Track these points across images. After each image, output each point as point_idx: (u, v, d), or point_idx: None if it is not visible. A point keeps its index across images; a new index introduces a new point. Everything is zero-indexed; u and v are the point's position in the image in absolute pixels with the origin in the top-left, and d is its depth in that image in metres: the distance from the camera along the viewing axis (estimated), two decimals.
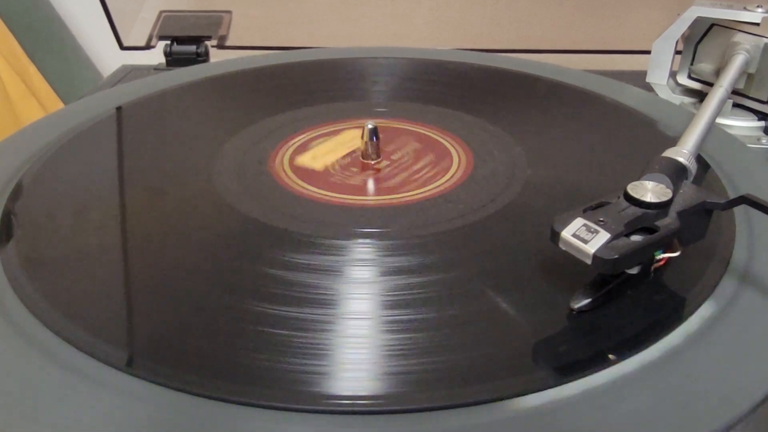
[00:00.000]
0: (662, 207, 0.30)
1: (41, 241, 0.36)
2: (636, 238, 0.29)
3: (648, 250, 0.29)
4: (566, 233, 0.28)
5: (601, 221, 0.28)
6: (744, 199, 0.30)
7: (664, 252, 0.30)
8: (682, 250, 0.30)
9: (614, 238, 0.28)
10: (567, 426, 0.25)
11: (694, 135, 0.38)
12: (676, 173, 0.33)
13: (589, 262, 0.28)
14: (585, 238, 0.28)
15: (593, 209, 0.30)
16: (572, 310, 0.29)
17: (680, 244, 0.30)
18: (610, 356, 0.27)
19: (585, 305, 0.29)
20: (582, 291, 0.30)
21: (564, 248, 0.29)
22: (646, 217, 0.29)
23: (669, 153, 0.35)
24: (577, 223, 0.29)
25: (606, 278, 0.30)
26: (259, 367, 0.27)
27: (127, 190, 0.41)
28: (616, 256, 0.27)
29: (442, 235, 0.36)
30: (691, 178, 0.35)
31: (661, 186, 0.31)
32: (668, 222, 0.30)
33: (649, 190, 0.30)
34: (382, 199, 0.39)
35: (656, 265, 0.31)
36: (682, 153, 0.35)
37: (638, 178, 0.32)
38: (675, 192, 0.31)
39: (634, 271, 0.30)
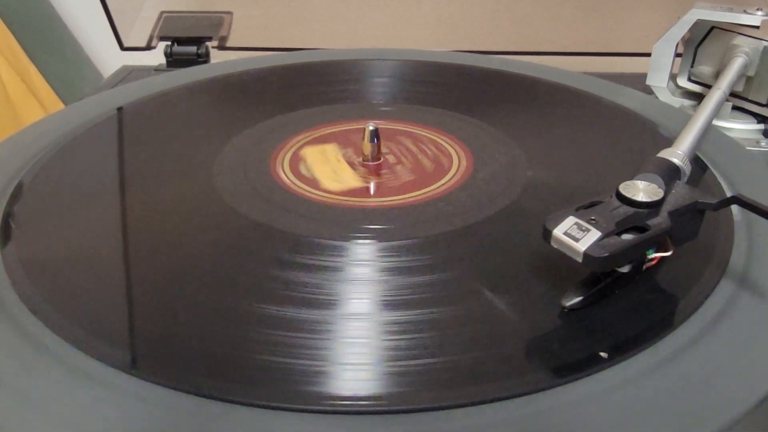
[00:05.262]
0: (653, 206, 0.30)
1: (42, 241, 0.36)
2: (627, 236, 0.29)
3: (638, 248, 0.29)
4: (558, 231, 0.29)
5: (593, 220, 0.29)
6: (735, 200, 0.30)
7: (657, 251, 0.30)
8: (674, 250, 0.31)
9: (605, 236, 0.28)
10: (566, 427, 0.25)
11: (689, 136, 0.38)
12: (669, 173, 0.33)
13: (579, 260, 0.28)
14: (576, 236, 0.28)
15: (585, 208, 0.30)
16: (564, 307, 0.30)
17: (672, 244, 0.31)
18: (602, 354, 0.27)
19: (576, 303, 0.30)
20: (573, 289, 0.30)
21: (556, 246, 0.29)
22: (638, 216, 0.30)
23: (663, 154, 0.35)
24: (569, 222, 0.29)
25: (598, 277, 0.30)
26: (259, 368, 0.27)
27: (128, 191, 0.41)
28: (606, 254, 0.27)
29: (442, 236, 0.36)
30: (684, 179, 0.35)
31: (653, 186, 0.31)
32: (659, 221, 0.30)
33: (641, 190, 0.31)
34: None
35: (648, 264, 0.31)
36: (676, 154, 0.35)
37: (631, 178, 0.32)
38: (667, 192, 0.31)
39: (625, 269, 0.30)
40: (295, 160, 0.44)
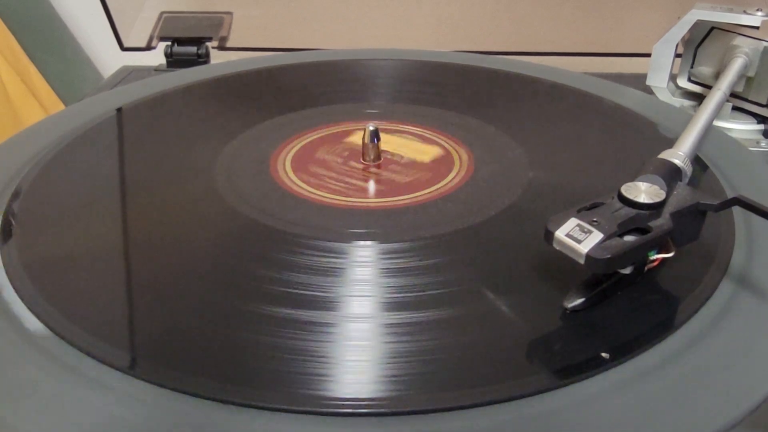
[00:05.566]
0: (655, 208, 0.30)
1: (42, 242, 0.36)
2: (629, 238, 0.29)
3: (640, 250, 0.29)
4: (560, 233, 0.29)
5: (595, 221, 0.29)
6: (737, 201, 0.30)
7: (659, 252, 0.30)
8: (676, 251, 0.31)
9: (607, 238, 0.28)
10: (568, 427, 0.25)
11: (690, 137, 0.38)
12: (671, 175, 0.33)
13: (582, 261, 0.28)
14: (578, 238, 0.28)
15: (587, 209, 0.30)
16: (566, 309, 0.30)
17: (674, 245, 0.31)
18: (603, 355, 0.27)
19: (578, 305, 0.30)
20: (575, 290, 0.30)
21: (558, 248, 0.29)
22: (640, 217, 0.30)
23: (664, 155, 0.35)
24: (571, 224, 0.29)
25: (600, 278, 0.30)
26: (260, 369, 0.27)
27: (128, 191, 0.41)
28: (609, 256, 0.27)
29: (443, 237, 0.36)
30: (686, 180, 0.35)
31: (655, 187, 0.31)
32: (661, 223, 0.30)
33: (643, 191, 0.31)
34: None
35: (650, 265, 0.31)
36: (678, 155, 0.35)
37: (633, 180, 0.32)
38: (669, 193, 0.31)
39: (627, 271, 0.30)
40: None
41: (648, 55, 0.58)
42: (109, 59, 0.90)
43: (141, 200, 0.41)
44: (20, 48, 0.84)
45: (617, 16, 0.74)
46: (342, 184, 0.41)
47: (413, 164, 0.44)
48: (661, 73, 0.57)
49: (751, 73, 0.53)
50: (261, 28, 0.75)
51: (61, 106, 0.87)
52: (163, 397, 0.26)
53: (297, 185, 0.41)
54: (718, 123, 0.52)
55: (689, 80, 0.58)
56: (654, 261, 0.31)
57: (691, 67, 0.58)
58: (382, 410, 0.26)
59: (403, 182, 0.41)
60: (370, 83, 0.58)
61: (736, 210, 0.36)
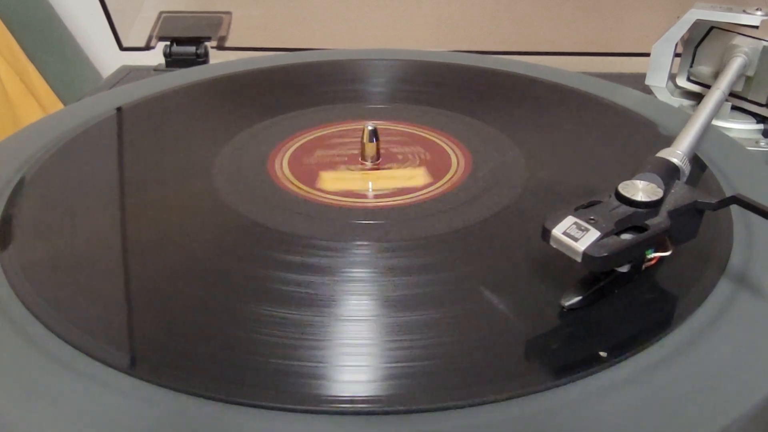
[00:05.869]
0: (653, 206, 0.30)
1: (41, 242, 0.36)
2: (626, 236, 0.29)
3: (638, 248, 0.29)
4: (557, 231, 0.29)
5: (592, 220, 0.29)
6: (735, 200, 0.30)
7: (656, 251, 0.30)
8: (673, 250, 0.31)
9: (604, 236, 0.28)
10: (565, 427, 0.25)
11: (689, 136, 0.38)
12: (668, 173, 0.33)
13: (579, 259, 0.28)
14: (575, 236, 0.28)
15: (585, 208, 0.30)
16: (563, 307, 0.30)
17: (672, 244, 0.31)
18: (601, 354, 0.27)
19: (575, 303, 0.30)
20: (573, 289, 0.30)
21: (555, 246, 0.29)
22: (637, 215, 0.30)
23: (662, 153, 0.35)
24: (568, 221, 0.29)
25: (597, 276, 0.30)
26: (258, 368, 0.27)
27: (127, 191, 0.41)
28: (606, 254, 0.27)
29: (441, 236, 0.36)
30: (684, 179, 0.35)
31: (652, 185, 0.31)
32: (658, 221, 0.30)
33: (640, 190, 0.31)
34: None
35: (648, 264, 0.31)
36: (676, 153, 0.35)
37: (631, 178, 0.32)
38: (666, 191, 0.31)
39: (624, 269, 0.30)
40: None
41: (647, 54, 0.58)
42: (108, 59, 0.91)
43: (140, 200, 0.41)
44: (19, 48, 0.84)
45: (617, 16, 0.74)
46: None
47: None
48: (660, 72, 0.57)
49: (750, 73, 0.53)
50: (260, 28, 0.75)
51: (60, 106, 0.87)
52: (162, 396, 0.26)
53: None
54: (717, 122, 0.52)
55: (688, 80, 0.58)
56: (651, 259, 0.31)
57: (691, 67, 0.58)
58: (381, 409, 0.26)
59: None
60: (369, 83, 0.58)
61: (735, 209, 0.36)
